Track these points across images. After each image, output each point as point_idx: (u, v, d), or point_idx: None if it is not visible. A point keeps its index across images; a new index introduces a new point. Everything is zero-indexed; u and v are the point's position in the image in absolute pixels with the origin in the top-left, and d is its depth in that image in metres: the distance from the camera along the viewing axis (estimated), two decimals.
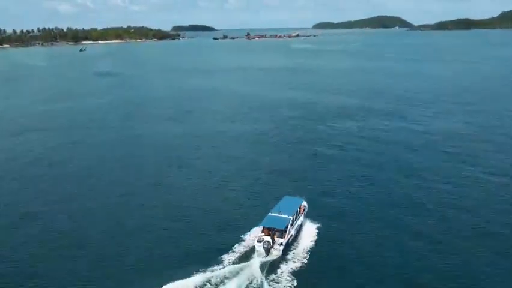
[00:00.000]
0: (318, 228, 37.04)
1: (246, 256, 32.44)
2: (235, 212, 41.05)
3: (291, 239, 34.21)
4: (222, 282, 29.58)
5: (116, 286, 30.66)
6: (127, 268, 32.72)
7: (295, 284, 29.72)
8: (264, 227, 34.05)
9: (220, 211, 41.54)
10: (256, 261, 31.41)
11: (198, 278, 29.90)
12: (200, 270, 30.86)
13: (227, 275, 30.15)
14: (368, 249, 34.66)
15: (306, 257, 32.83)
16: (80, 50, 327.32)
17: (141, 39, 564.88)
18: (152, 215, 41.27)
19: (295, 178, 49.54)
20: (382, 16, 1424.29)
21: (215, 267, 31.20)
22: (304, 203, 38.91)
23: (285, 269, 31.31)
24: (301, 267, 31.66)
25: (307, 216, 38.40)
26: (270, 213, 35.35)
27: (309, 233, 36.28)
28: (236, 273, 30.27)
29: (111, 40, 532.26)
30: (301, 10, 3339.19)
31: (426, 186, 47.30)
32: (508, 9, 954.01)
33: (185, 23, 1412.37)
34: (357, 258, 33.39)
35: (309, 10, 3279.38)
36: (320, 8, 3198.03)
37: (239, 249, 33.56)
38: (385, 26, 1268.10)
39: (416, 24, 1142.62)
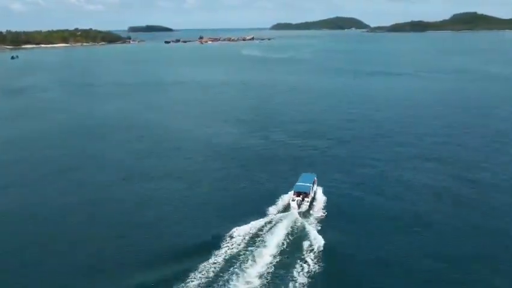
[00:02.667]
0: (325, 193, 53.33)
1: (285, 209, 48.10)
2: (275, 184, 57.19)
3: (311, 199, 50.10)
4: (276, 223, 44.57)
5: (196, 230, 45.05)
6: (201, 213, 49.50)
7: (317, 222, 45.74)
8: (294, 191, 49.70)
9: (265, 184, 58.11)
10: (293, 211, 46.66)
11: (260, 221, 44.64)
12: (259, 217, 45.67)
13: (277, 219, 45.39)
14: (364, 199, 52.57)
15: (321, 208, 49.33)
16: (12, 57, 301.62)
17: (88, 43, 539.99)
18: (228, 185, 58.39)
19: (308, 162, 65.75)
20: (339, 17, 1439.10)
21: (269, 215, 46.87)
22: (316, 177, 54.23)
23: (310, 215, 47.36)
24: (320, 214, 47.71)
25: (318, 185, 54.41)
26: (297, 183, 51.01)
27: (321, 195, 52.83)
28: (282, 218, 45.45)
29: (56, 44, 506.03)
30: (261, 10, 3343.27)
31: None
32: (459, 12, 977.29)
33: (144, 23, 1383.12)
34: (356, 207, 50.44)
35: (269, 10, 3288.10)
36: (279, 8, 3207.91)
37: (281, 205, 49.54)
38: (342, 28, 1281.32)
39: (372, 25, 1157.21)
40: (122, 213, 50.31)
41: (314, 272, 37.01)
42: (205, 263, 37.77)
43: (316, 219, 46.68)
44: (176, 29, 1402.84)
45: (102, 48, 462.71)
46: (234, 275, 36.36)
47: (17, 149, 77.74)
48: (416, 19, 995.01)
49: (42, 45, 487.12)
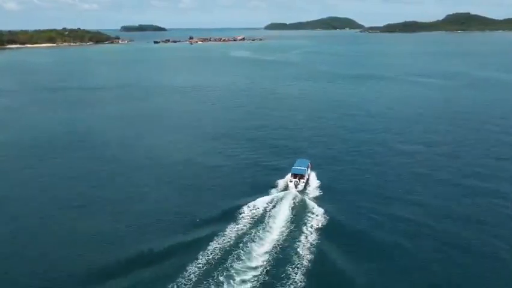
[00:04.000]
0: (318, 175, 60.10)
1: (285, 188, 55.32)
2: (276, 167, 64.77)
3: (307, 180, 57.44)
4: (278, 200, 51.59)
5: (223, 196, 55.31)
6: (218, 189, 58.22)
7: (314, 198, 53.27)
8: (292, 173, 56.73)
9: (266, 168, 65.03)
10: (292, 190, 53.91)
11: (265, 199, 51.76)
12: (263, 194, 53.43)
13: (279, 197, 52.43)
14: (352, 181, 60.30)
15: (316, 187, 56.77)
16: None
17: (75, 43, 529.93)
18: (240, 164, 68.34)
19: (303, 150, 73.77)
20: (333, 17, 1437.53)
21: (272, 192, 54.49)
22: (310, 163, 61.29)
23: (307, 193, 54.71)
24: (315, 193, 55.39)
25: (312, 169, 61.35)
26: (294, 167, 57.86)
27: (314, 177, 59.54)
28: (283, 196, 52.58)
29: (42, 44, 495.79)
30: (255, 10, 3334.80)
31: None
32: (452, 12, 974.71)
33: (139, 22, 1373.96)
34: (345, 187, 58.15)
35: (263, 10, 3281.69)
36: (273, 8, 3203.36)
37: (281, 185, 56.60)
38: (336, 28, 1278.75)
39: (366, 25, 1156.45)
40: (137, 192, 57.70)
41: (316, 238, 43.22)
42: (217, 235, 43.55)
43: (312, 196, 54.05)
44: (170, 28, 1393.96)
45: (88, 48, 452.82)
46: (248, 245, 41.48)
47: None
48: (409, 19, 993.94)
49: (28, 45, 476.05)
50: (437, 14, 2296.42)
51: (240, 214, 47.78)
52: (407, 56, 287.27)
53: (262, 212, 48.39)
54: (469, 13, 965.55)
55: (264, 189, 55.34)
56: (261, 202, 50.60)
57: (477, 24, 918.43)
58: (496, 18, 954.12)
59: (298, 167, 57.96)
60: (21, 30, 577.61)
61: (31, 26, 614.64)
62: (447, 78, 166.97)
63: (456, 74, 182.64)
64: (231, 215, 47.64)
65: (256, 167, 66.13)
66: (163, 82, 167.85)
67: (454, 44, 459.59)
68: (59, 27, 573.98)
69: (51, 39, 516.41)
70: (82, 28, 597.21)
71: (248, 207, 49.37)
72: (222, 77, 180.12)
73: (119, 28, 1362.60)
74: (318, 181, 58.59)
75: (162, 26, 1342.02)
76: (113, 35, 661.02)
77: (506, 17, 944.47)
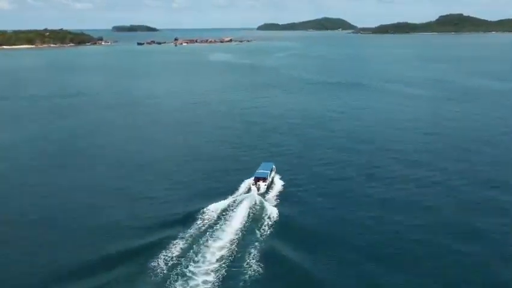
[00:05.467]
0: (282, 179, 61.95)
1: (247, 191, 56.02)
2: (239, 171, 65.38)
3: (269, 183, 58.62)
4: (239, 202, 52.05)
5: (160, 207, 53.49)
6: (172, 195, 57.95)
7: (273, 201, 54.71)
8: (255, 177, 57.88)
9: (230, 171, 66.53)
10: (253, 193, 54.42)
11: (226, 201, 52.52)
12: (225, 198, 53.81)
13: (240, 199, 53.05)
14: (309, 186, 60.82)
15: (278, 191, 58.12)
16: None
17: (56, 44, 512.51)
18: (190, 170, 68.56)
19: (268, 153, 76.11)
20: (326, 18, 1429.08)
21: (233, 195, 55.08)
22: (274, 166, 63.43)
23: (269, 197, 55.69)
24: (275, 196, 56.51)
25: (276, 172, 63.22)
26: (257, 170, 59.72)
27: (278, 181, 61.41)
28: (244, 198, 53.15)
29: (20, 45, 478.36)
30: (249, 10, 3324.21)
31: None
32: (445, 14, 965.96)
33: (133, 22, 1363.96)
34: (304, 189, 59.44)
35: (257, 10, 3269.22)
36: (266, 8, 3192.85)
37: (243, 188, 57.58)
38: (329, 28, 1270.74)
39: (359, 26, 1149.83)
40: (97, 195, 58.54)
41: (271, 237, 45.08)
42: (178, 236, 44.44)
43: (272, 198, 55.34)
44: (162, 28, 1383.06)
45: (67, 50, 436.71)
46: (202, 247, 42.33)
47: None
48: (402, 20, 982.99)
49: (5, 47, 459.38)
50: (429, 15, 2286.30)
51: (197, 218, 48.57)
52: (395, 61, 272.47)
53: (219, 215, 49.16)
54: (461, 14, 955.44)
55: (226, 192, 56.37)
56: (220, 205, 51.46)
57: (470, 25, 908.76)
58: (489, 20, 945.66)
59: (261, 171, 59.73)
60: (0, 31, 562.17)
61: (23, 25, 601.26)
62: (433, 88, 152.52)
63: (444, 82, 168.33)
64: (188, 219, 48.43)
65: (220, 171, 66.88)
66: (112, 93, 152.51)
67: (446, 47, 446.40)
68: (51, 27, 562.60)
69: (30, 41, 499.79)
70: (70, 29, 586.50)
71: (206, 210, 50.18)
72: (182, 85, 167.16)
73: (111, 28, 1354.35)
74: (281, 184, 60.35)
75: (154, 26, 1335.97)
76: (104, 35, 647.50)
77: (499, 18, 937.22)
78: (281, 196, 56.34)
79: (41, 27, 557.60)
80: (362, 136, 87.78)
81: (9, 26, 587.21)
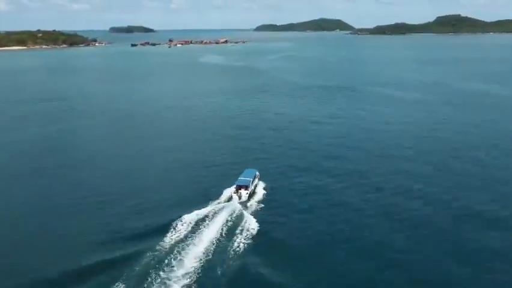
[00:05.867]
0: (265, 187, 60.31)
1: (228, 200, 54.59)
2: (221, 178, 63.11)
3: (251, 192, 56.85)
4: (218, 212, 50.87)
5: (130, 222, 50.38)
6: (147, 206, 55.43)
7: (257, 211, 52.79)
8: (237, 185, 56.42)
9: (213, 179, 64.26)
10: (234, 202, 53.57)
11: (206, 210, 51.44)
12: (205, 206, 52.54)
13: (219, 208, 51.88)
14: (293, 193, 59.07)
15: (260, 199, 56.35)
16: None
17: (48, 46, 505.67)
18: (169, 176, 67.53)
19: (252, 159, 73.46)
20: (324, 19, 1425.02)
21: (213, 204, 53.65)
22: (257, 172, 61.75)
23: (250, 205, 54.29)
24: (258, 204, 55.01)
25: (260, 179, 61.70)
26: (239, 178, 58.09)
27: (261, 188, 59.68)
28: (224, 207, 52.05)
29: (12, 47, 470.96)
30: (247, 11, 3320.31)
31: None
32: (443, 14, 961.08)
33: (130, 23, 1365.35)
34: (288, 199, 57.21)
35: (255, 11, 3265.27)
36: (264, 9, 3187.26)
37: (224, 196, 55.92)
38: (326, 29, 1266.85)
39: (356, 27, 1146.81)
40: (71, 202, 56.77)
41: (245, 250, 43.62)
42: (153, 247, 43.48)
43: (253, 207, 54.01)
44: (160, 29, 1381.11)
45: (58, 51, 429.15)
46: (178, 258, 41.71)
47: None
48: (400, 21, 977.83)
49: None
50: (427, 15, 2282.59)
51: (174, 227, 47.57)
52: (391, 63, 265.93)
53: (196, 225, 48.24)
54: (459, 15, 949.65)
55: (205, 200, 54.87)
56: (197, 215, 50.35)
57: (467, 26, 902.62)
58: (487, 21, 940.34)
59: (243, 178, 58.18)
60: None
61: (20, 26, 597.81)
62: (429, 92, 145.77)
63: (441, 86, 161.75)
64: (164, 229, 47.33)
65: (201, 178, 65.23)
66: (90, 97, 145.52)
67: (444, 48, 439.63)
68: (48, 28, 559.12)
69: (22, 42, 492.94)
70: (67, 30, 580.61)
71: (183, 220, 49.04)
72: (166, 89, 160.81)
73: (108, 29, 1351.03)
74: (264, 192, 58.87)
75: (152, 27, 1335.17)
76: (101, 36, 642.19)
77: (496, 19, 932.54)
78: (263, 205, 54.81)
79: (37, 28, 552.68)
80: (352, 143, 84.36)
81: (6, 27, 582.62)
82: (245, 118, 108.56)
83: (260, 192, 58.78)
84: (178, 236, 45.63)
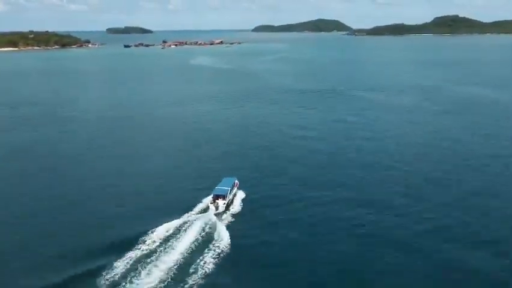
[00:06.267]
0: (245, 195, 57.64)
1: (205, 211, 52.01)
2: (198, 187, 60.16)
3: (229, 202, 54.29)
4: (192, 223, 48.60)
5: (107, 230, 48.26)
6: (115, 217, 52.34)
7: (232, 223, 50.04)
8: (214, 194, 53.69)
9: (189, 188, 61.31)
10: (211, 213, 50.88)
11: (180, 220, 48.95)
12: (179, 217, 49.60)
13: (195, 219, 49.59)
14: (273, 203, 56.03)
15: (237, 210, 53.68)
16: None
17: (40, 47, 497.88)
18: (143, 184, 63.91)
19: (232, 167, 69.59)
20: (322, 20, 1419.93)
21: (188, 215, 50.87)
22: (237, 181, 58.90)
23: (226, 217, 51.46)
24: (235, 215, 52.32)
25: (239, 188, 58.71)
26: (216, 187, 54.98)
27: (240, 197, 56.97)
28: (198, 219, 49.60)
29: (2, 48, 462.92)
30: (245, 12, 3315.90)
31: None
32: (441, 15, 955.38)
33: (128, 24, 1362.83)
34: (268, 209, 54.25)
35: (253, 12, 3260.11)
36: (262, 10, 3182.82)
37: (201, 206, 53.30)
38: (324, 30, 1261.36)
39: (354, 27, 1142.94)
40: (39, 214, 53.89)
41: (215, 267, 41.28)
42: (119, 260, 41.45)
43: (229, 219, 51.14)
44: (158, 30, 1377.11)
45: (48, 53, 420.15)
46: (142, 274, 39.77)
47: None
48: (398, 22, 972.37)
49: None
50: (425, 16, 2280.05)
51: (144, 240, 45.16)
52: (386, 65, 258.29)
53: (167, 238, 45.78)
54: (457, 15, 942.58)
55: (180, 211, 52.01)
56: (170, 226, 47.86)
57: (465, 27, 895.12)
58: (484, 21, 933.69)
59: (221, 187, 55.53)
60: None
61: (17, 27, 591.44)
62: (422, 97, 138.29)
63: (436, 90, 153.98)
64: (134, 241, 44.84)
65: (177, 187, 62.50)
66: (60, 102, 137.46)
67: (441, 49, 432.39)
68: (45, 29, 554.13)
69: (13, 43, 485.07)
70: (64, 31, 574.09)
71: (155, 232, 46.64)
72: (146, 94, 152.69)
73: (105, 30, 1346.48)
74: (242, 202, 56.28)
75: (149, 28, 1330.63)
76: (98, 37, 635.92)
77: (493, 20, 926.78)
78: (240, 216, 52.46)
79: (35, 29, 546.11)
80: (337, 152, 79.89)
81: (4, 27, 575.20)
82: (227, 124, 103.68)
83: (239, 202, 56.17)
84: (144, 251, 43.45)
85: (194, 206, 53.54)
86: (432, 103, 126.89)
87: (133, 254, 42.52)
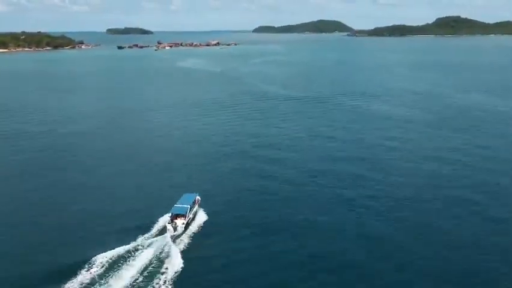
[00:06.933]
0: (207, 214, 52.20)
1: (161, 232, 46.07)
2: (153, 206, 54.25)
3: (190, 220, 49.02)
4: (147, 246, 43.02)
5: (56, 255, 42.85)
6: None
7: (192, 246, 45.09)
8: (172, 214, 48.32)
9: (144, 207, 54.71)
10: (167, 235, 44.79)
11: (130, 246, 42.77)
12: (131, 241, 43.86)
13: (148, 244, 43.58)
14: (237, 221, 50.84)
15: (199, 231, 48.44)
16: None
17: (31, 48, 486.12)
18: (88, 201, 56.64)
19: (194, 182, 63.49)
20: (322, 20, 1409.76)
21: (141, 239, 44.69)
22: (198, 197, 53.85)
23: (186, 238, 46.44)
24: (195, 237, 47.07)
25: (201, 206, 53.39)
26: (175, 205, 49.72)
27: (202, 216, 51.70)
28: (155, 242, 43.69)
29: None
30: (246, 13, 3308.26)
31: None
32: (443, 16, 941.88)
33: (129, 25, 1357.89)
34: (231, 228, 49.19)
35: (253, 13, 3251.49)
36: (263, 11, 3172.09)
37: (157, 227, 47.50)
38: (324, 31, 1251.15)
39: (355, 28, 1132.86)
40: None
41: None
42: None
43: (188, 241, 46.37)
44: (158, 31, 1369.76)
45: (38, 54, 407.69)
46: None
47: None
48: (399, 22, 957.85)
49: None
50: (427, 17, 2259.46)
51: (86, 268, 39.94)
52: (382, 68, 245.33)
53: (112, 266, 40.33)
54: (459, 16, 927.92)
55: (135, 232, 46.00)
56: (117, 253, 41.75)
57: (467, 27, 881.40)
58: (487, 22, 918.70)
59: (180, 205, 50.06)
60: None
61: (18, 28, 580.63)
62: (418, 106, 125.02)
63: (435, 98, 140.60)
64: (73, 271, 39.60)
65: (134, 204, 55.71)
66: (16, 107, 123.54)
67: (442, 51, 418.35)
68: (45, 30, 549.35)
69: (3, 45, 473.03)
70: (64, 31, 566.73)
71: (98, 260, 40.85)
72: (114, 100, 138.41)
73: (105, 31, 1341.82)
74: (204, 220, 51.20)
75: (149, 28, 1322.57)
76: (98, 37, 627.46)
77: (495, 21, 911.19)
78: (199, 238, 47.71)
79: (35, 30, 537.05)
80: (313, 166, 72.02)
81: (5, 28, 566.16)
82: (193, 134, 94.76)
83: (199, 221, 51.17)
84: (85, 283, 38.61)
85: (150, 227, 48.09)
86: (429, 113, 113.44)
87: (72, 286, 38.12)
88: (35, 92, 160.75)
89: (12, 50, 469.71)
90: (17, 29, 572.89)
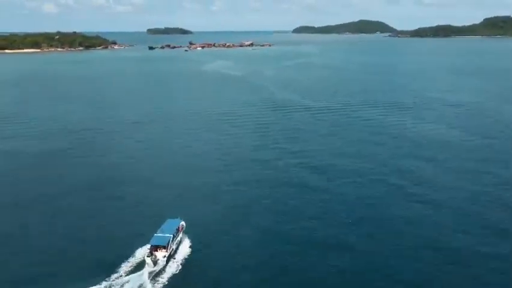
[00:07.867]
0: (193, 242, 46.19)
1: (139, 267, 40.81)
2: (129, 235, 47.72)
3: (172, 252, 43.49)
4: (120, 287, 37.72)
5: None
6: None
7: (174, 285, 39.17)
8: (151, 245, 42.47)
9: (119, 235, 47.99)
10: (145, 271, 39.96)
11: (100, 286, 37.47)
12: (102, 279, 38.65)
13: (123, 282, 38.40)
14: (227, 251, 45.11)
15: (183, 263, 42.51)
16: None
17: (64, 48, 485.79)
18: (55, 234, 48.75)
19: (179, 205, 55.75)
20: (363, 21, 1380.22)
21: (115, 276, 39.50)
22: (183, 223, 48.08)
23: (167, 274, 40.64)
24: (180, 271, 41.32)
25: (185, 232, 47.40)
26: (155, 234, 43.92)
27: (187, 245, 45.78)
28: (127, 282, 38.30)
29: (25, 49, 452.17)
30: (286, 13, 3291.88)
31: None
32: (491, 16, 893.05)
33: (170, 25, 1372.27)
34: (220, 261, 43.16)
35: (293, 13, 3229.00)
36: (303, 11, 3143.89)
37: (135, 261, 41.98)
38: (365, 31, 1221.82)
39: (398, 29, 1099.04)
40: None
41: None
42: None
43: (168, 277, 40.59)
44: (198, 31, 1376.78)
45: (68, 54, 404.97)
46: None
47: None
48: (444, 23, 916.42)
49: (7, 51, 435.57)
50: (474, 17, 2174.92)
51: None
52: (420, 73, 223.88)
53: None
54: (509, 16, 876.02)
55: (110, 267, 40.90)
56: None
57: None
58: None
59: (161, 235, 44.44)
60: (11, 34, 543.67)
61: (64, 28, 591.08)
62: (459, 123, 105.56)
63: (478, 112, 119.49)
64: None
65: (110, 233, 49.07)
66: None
67: (490, 54, 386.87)
68: (87, 30, 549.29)
69: (36, 44, 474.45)
70: (105, 31, 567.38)
71: None
72: (111, 110, 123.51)
73: (145, 31, 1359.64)
74: (188, 250, 45.18)
75: (189, 28, 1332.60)
76: (138, 37, 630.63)
77: None
78: (182, 272, 41.12)
79: (81, 30, 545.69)
80: (309, 190, 63.36)
81: (54, 28, 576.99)
82: (183, 151, 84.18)
83: (183, 251, 45.42)
84: None
85: (125, 260, 42.72)
86: (473, 133, 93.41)
87: None
88: (33, 99, 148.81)
89: (45, 49, 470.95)
90: (64, 29, 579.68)
